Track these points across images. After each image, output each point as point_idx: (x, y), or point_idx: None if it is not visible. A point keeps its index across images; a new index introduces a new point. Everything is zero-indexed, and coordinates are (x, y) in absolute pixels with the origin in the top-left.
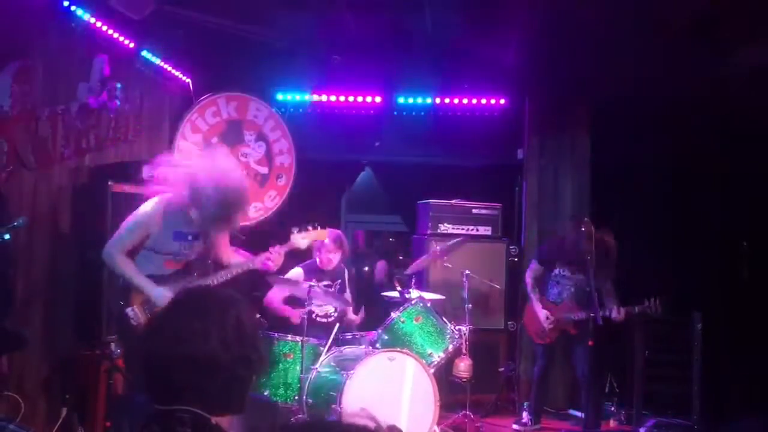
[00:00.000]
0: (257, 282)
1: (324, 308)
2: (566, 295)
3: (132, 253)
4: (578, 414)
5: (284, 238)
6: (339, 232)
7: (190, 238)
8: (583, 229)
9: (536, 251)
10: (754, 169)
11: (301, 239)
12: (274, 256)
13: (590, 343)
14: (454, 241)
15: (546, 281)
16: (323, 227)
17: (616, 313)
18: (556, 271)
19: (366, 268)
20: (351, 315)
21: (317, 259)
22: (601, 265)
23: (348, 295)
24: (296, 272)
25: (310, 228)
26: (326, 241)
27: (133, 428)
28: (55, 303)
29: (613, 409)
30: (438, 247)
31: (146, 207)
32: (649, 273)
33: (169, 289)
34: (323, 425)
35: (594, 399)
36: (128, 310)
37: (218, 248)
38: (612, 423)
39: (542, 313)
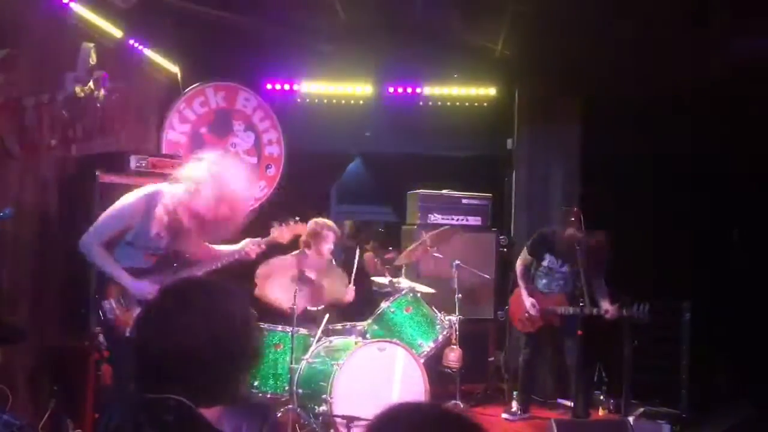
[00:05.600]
0: (248, 274)
1: None
2: (555, 287)
3: (109, 245)
4: (567, 403)
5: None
6: (332, 224)
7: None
8: (572, 218)
9: (527, 243)
10: (746, 159)
11: (281, 234)
12: (254, 247)
13: (579, 333)
14: (443, 228)
15: (535, 272)
16: (305, 221)
17: (609, 311)
18: (546, 262)
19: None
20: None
21: (305, 251)
22: (591, 262)
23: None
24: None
25: (291, 222)
26: (327, 234)
27: (112, 419)
28: (42, 294)
29: (602, 397)
30: (427, 239)
31: (129, 198)
32: (639, 263)
33: (152, 281)
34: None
35: (583, 388)
36: (104, 302)
37: (192, 244)
38: (601, 411)
39: (528, 301)
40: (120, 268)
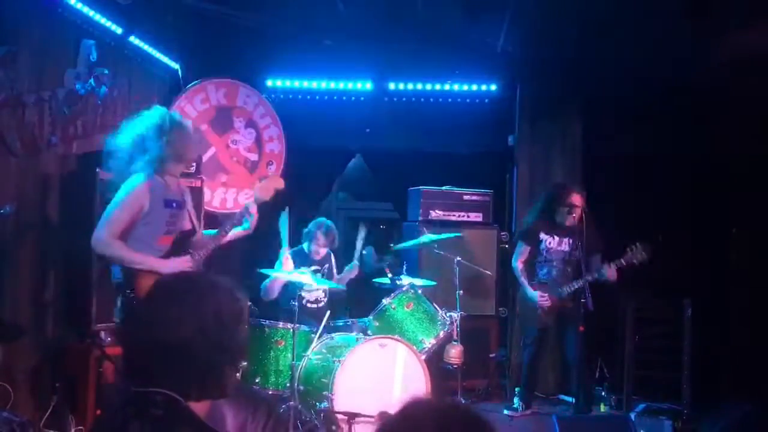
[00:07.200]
0: (249, 269)
1: (314, 293)
2: (555, 273)
3: (122, 238)
4: (569, 399)
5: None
6: (331, 225)
7: (174, 205)
8: (577, 205)
9: (519, 236)
10: (745, 156)
11: (265, 189)
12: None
13: (581, 328)
14: (448, 236)
15: (534, 264)
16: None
17: (608, 270)
18: (543, 244)
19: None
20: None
21: (305, 247)
22: (585, 236)
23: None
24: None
25: (268, 173)
26: (319, 235)
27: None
28: (43, 292)
29: (603, 393)
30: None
31: (131, 184)
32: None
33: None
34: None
35: (584, 384)
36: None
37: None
38: (602, 407)
39: (536, 295)
40: (146, 255)
